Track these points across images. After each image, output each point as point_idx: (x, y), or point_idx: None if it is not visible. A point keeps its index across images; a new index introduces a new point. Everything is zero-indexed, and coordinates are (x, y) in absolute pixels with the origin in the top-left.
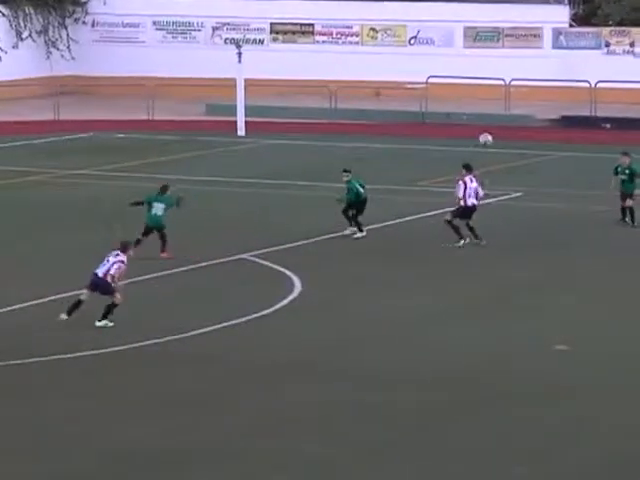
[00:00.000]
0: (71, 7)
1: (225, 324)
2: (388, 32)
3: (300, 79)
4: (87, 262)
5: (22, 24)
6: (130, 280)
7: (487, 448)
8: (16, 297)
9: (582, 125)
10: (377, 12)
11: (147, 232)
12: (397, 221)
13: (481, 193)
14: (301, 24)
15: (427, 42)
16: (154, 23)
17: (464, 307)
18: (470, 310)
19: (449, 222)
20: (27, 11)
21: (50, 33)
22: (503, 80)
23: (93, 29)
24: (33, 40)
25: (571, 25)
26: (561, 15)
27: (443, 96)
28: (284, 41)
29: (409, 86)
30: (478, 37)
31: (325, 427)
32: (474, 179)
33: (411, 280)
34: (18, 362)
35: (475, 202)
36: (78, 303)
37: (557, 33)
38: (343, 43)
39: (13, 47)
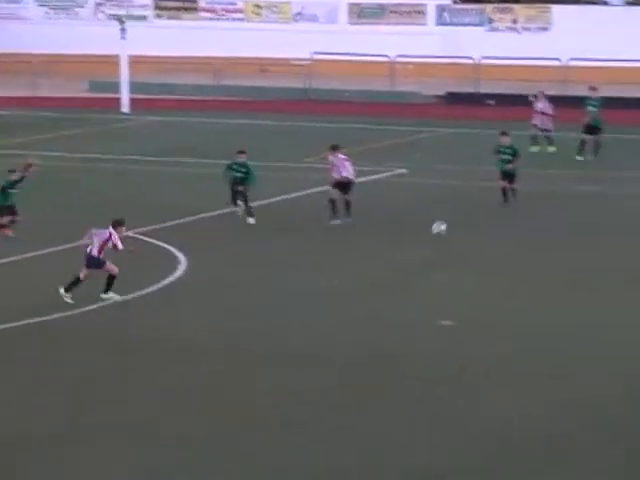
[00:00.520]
0: None
1: (110, 302)
2: (273, 9)
3: (184, 55)
4: None
5: None
6: (20, 256)
7: (392, 431)
8: None
9: (467, 101)
10: None
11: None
12: (283, 197)
13: (344, 173)
14: (185, 0)
15: (312, 18)
16: None
17: (355, 286)
18: (362, 288)
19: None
20: None
21: None
22: (388, 57)
23: None
24: None
25: (454, 2)
26: None
27: (328, 73)
28: (168, 17)
29: (294, 62)
30: (362, 13)
31: (215, 402)
32: (339, 156)
33: (298, 258)
34: None
35: (344, 177)
36: (113, 278)
37: (441, 10)
38: (227, 19)
39: None
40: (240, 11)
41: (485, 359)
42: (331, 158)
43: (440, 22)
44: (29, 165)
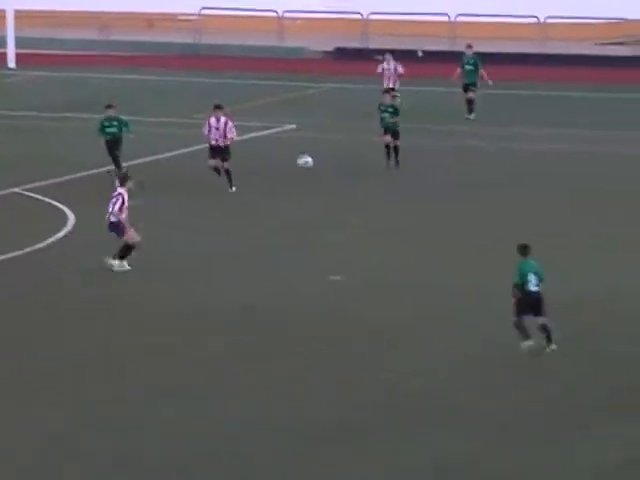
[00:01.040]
0: None
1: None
2: None
3: (71, 10)
4: None
5: None
6: None
7: (279, 386)
8: None
9: (355, 57)
10: None
11: None
12: (171, 154)
13: (230, 135)
14: None
15: None
16: None
17: (245, 246)
18: (253, 249)
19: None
20: None
21: None
22: (276, 12)
23: None
24: None
25: None
26: None
27: (217, 28)
28: None
29: (182, 18)
30: None
31: (111, 368)
32: (222, 119)
33: (185, 217)
34: None
35: (221, 142)
36: (130, 248)
37: None
38: None
39: None
40: None
41: (374, 315)
42: (213, 120)
43: None
44: None
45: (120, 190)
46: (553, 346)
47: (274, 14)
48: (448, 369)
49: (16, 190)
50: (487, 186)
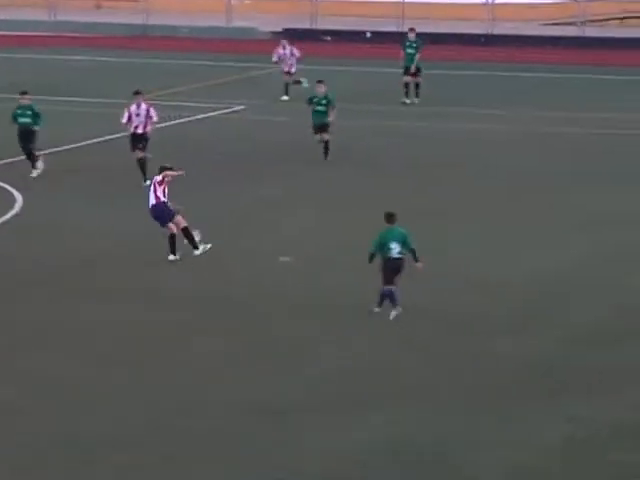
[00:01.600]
0: None
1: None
2: None
3: None
4: None
5: None
6: None
7: (216, 367)
8: None
9: (304, 37)
10: None
11: None
12: (117, 136)
13: (154, 118)
14: None
15: None
16: None
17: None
18: (211, 229)
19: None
20: None
21: None
22: None
23: None
24: None
25: None
26: None
27: (166, 8)
28: None
29: None
30: None
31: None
32: (142, 105)
33: (133, 197)
34: None
35: (141, 129)
36: (172, 238)
37: None
38: None
39: None
40: None
41: (319, 294)
42: (133, 107)
43: None
44: None
45: (159, 178)
46: (400, 309)
47: None
48: (390, 347)
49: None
50: (427, 165)
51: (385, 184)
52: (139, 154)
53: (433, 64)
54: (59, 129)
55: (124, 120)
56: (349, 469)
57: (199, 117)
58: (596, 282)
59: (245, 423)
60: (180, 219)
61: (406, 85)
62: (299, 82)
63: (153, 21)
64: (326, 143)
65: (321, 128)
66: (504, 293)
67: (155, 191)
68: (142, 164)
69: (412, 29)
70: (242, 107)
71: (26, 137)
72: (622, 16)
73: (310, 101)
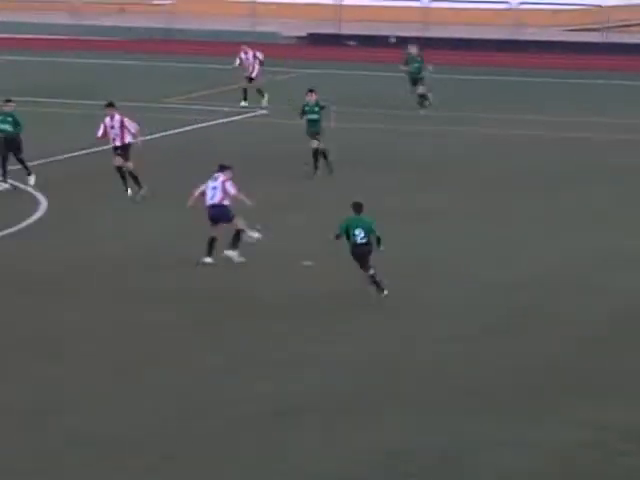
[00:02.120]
0: None
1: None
2: None
3: None
4: None
5: None
6: None
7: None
8: None
9: (328, 42)
10: None
11: None
12: (140, 138)
13: (132, 130)
14: None
15: None
16: None
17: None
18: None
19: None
20: None
21: None
22: None
23: None
24: None
25: None
26: None
27: (191, 12)
28: None
29: (155, 2)
30: None
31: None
32: (116, 117)
33: (156, 199)
34: None
35: (119, 142)
36: (212, 241)
37: None
38: None
39: None
40: None
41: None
42: (107, 120)
43: None
44: None
45: (224, 177)
46: (385, 292)
47: None
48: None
49: None
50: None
51: (406, 185)
52: (118, 161)
53: (460, 69)
54: (81, 132)
55: (99, 134)
56: (361, 471)
57: (222, 121)
58: (609, 283)
59: (262, 423)
60: (238, 221)
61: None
62: (262, 93)
63: (177, 25)
64: (323, 153)
65: (315, 135)
66: (516, 292)
67: (218, 190)
68: (121, 172)
69: (412, 46)
70: (265, 111)
71: (8, 144)
72: None
73: (303, 111)
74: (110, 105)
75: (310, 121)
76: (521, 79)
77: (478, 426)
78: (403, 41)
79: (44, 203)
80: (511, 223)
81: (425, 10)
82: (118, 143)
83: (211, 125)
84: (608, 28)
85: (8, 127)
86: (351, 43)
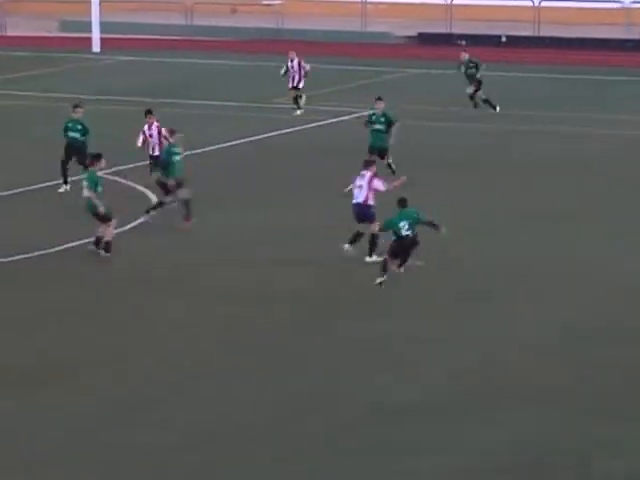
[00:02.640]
0: None
1: (85, 240)
2: None
3: None
4: None
5: None
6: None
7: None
8: None
9: (438, 42)
10: None
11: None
12: (252, 138)
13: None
14: None
15: None
16: None
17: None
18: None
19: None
20: None
21: None
22: None
23: None
24: None
25: None
26: None
27: (300, 13)
28: None
29: (265, 2)
30: None
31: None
32: (154, 125)
33: (267, 199)
34: None
35: (157, 151)
36: (358, 235)
37: None
38: None
39: None
40: None
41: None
42: (146, 129)
43: None
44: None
45: (370, 173)
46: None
47: None
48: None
49: (101, 174)
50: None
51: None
52: (154, 176)
53: (570, 69)
54: (192, 132)
55: (139, 144)
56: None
57: (332, 121)
58: None
59: (375, 422)
60: (375, 227)
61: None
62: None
63: (288, 25)
64: (389, 165)
65: (378, 152)
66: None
67: (364, 189)
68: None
69: (465, 49)
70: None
71: (73, 151)
72: None
73: (369, 120)
74: (149, 112)
75: (374, 132)
76: (632, 78)
77: (605, 428)
78: (514, 40)
79: (154, 201)
80: None
81: (536, 9)
82: (157, 152)
83: (322, 125)
84: None
85: (78, 135)
86: (462, 42)
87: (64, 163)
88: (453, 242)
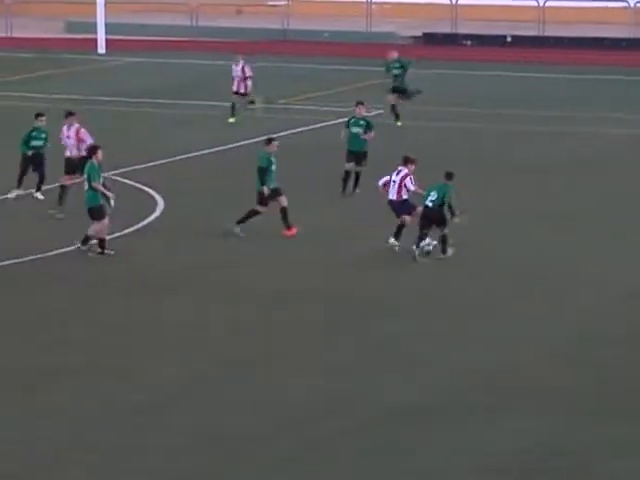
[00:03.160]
0: None
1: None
2: None
3: None
4: None
5: None
6: None
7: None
8: None
9: (444, 42)
10: None
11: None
12: (258, 139)
13: (88, 141)
14: None
15: None
16: None
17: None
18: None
19: None
20: None
21: None
22: None
23: None
24: None
25: None
26: None
27: (305, 14)
28: None
29: (271, 3)
30: None
31: (195, 343)
32: (75, 128)
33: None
34: None
35: (69, 153)
36: (401, 227)
37: None
38: None
39: None
40: None
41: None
42: (64, 130)
43: None
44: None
45: (406, 171)
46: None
47: None
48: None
49: (106, 175)
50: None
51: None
52: (63, 180)
53: (576, 69)
54: (197, 133)
55: (63, 142)
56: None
57: (337, 122)
58: None
59: (389, 422)
60: (406, 219)
61: (393, 107)
62: (253, 102)
63: (293, 26)
64: (357, 174)
65: (355, 157)
66: None
67: (397, 185)
68: (63, 190)
69: (394, 50)
70: (380, 111)
71: (35, 161)
72: None
73: (347, 124)
74: (70, 114)
75: (353, 135)
76: (633, 78)
77: (612, 431)
78: (519, 40)
79: (161, 203)
80: None
81: (541, 10)
82: (68, 154)
83: (327, 126)
84: None
85: (41, 143)
86: (467, 42)
87: (23, 173)
88: (464, 243)
